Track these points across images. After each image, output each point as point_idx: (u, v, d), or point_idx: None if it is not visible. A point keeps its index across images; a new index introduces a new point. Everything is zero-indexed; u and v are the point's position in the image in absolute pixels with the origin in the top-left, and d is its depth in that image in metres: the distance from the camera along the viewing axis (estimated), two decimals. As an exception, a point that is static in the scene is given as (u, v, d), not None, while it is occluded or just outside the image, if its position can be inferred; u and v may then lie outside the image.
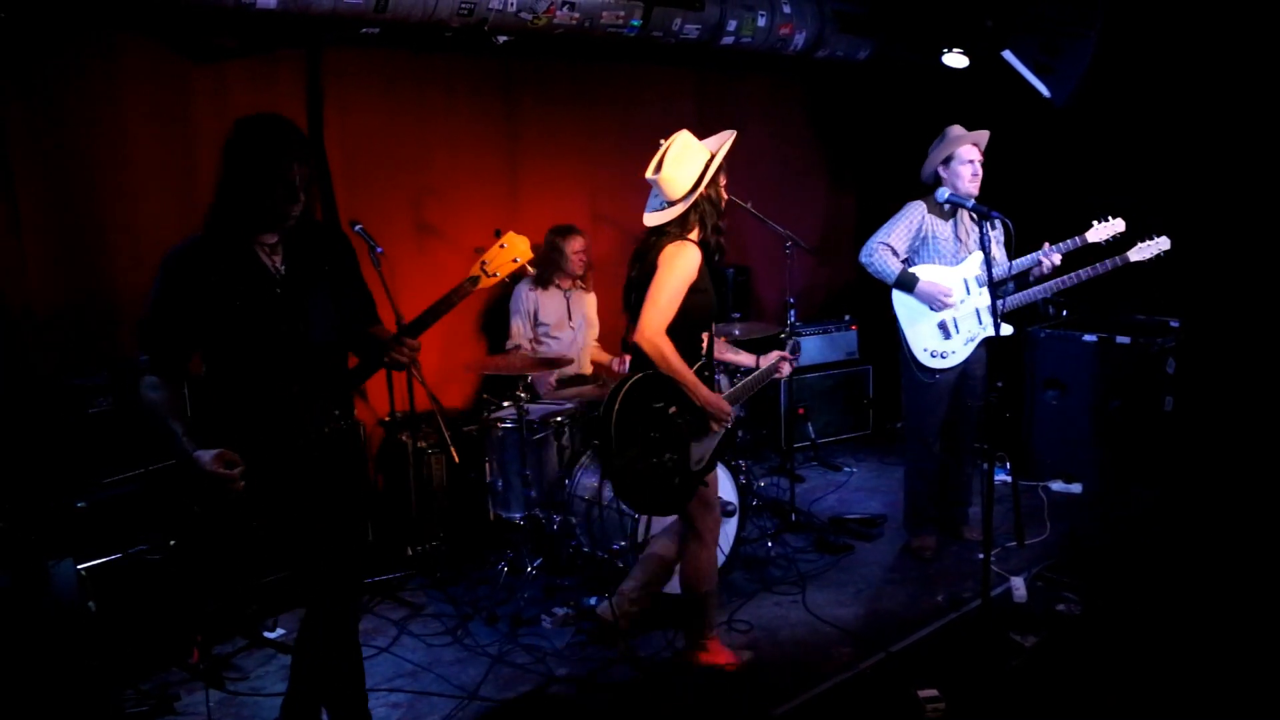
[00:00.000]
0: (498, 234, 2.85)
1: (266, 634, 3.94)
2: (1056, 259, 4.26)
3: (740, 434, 4.60)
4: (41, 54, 3.92)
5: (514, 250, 2.82)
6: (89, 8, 3.93)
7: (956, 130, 4.36)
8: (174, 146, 4.33)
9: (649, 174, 3.22)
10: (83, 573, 3.35)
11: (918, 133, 4.50)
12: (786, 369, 3.67)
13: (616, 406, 3.10)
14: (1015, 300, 4.37)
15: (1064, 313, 5.98)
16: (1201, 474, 5.22)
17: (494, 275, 2.79)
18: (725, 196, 3.27)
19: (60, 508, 3.55)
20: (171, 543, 3.71)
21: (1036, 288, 4.36)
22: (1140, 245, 4.29)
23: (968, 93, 6.10)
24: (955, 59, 5.62)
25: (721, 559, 4.22)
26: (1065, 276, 4.32)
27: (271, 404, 2.60)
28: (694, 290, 3.19)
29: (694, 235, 3.22)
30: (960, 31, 5.60)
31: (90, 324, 4.13)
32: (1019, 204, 4.24)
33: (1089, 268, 4.30)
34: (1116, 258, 4.29)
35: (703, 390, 3.22)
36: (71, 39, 3.99)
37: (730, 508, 4.18)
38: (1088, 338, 5.42)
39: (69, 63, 4.01)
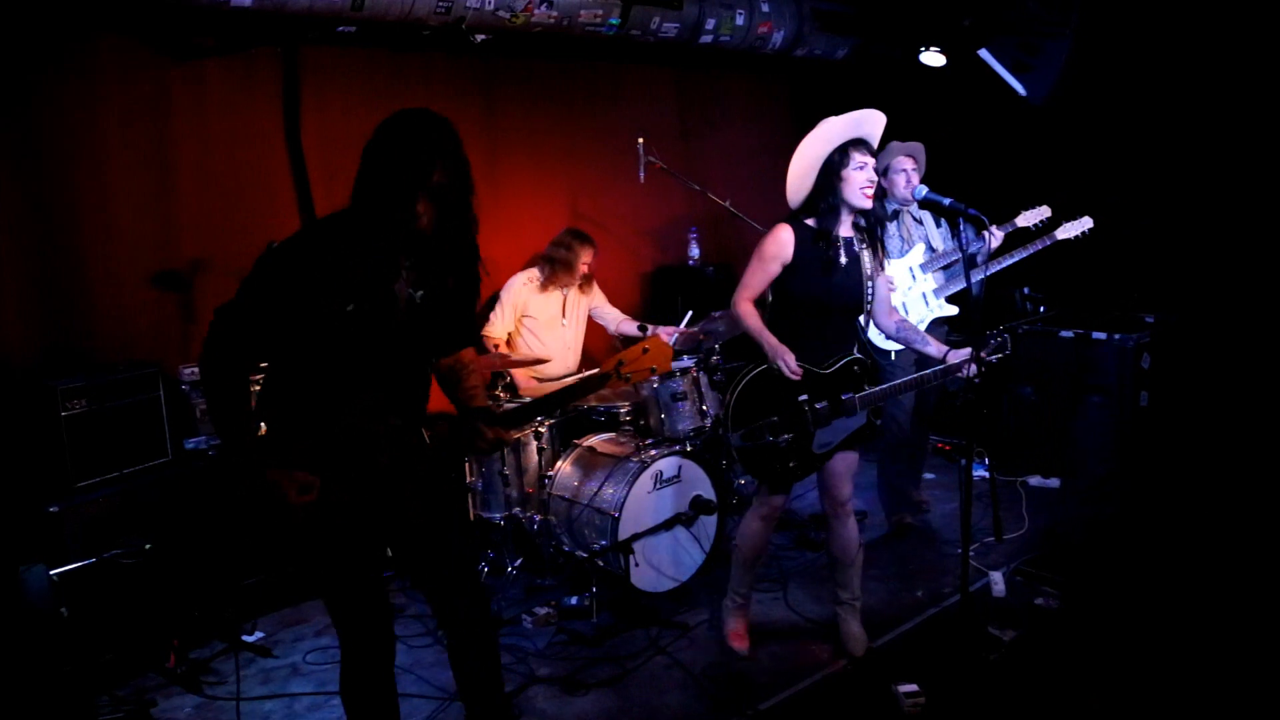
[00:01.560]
0: (643, 330, 2.58)
1: (245, 638, 3.91)
2: (1000, 235, 4.54)
3: (721, 430, 4.60)
4: (16, 54, 3.87)
5: (655, 358, 2.57)
6: (65, 7, 3.89)
7: (893, 144, 4.58)
8: (151, 145, 4.29)
9: None
10: (55, 578, 3.32)
11: (897, 131, 4.53)
12: (971, 369, 3.33)
13: (739, 387, 3.31)
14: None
15: (1041, 308, 6.02)
16: (1178, 468, 5.27)
17: (625, 380, 2.60)
18: (849, 178, 3.26)
19: (33, 512, 3.51)
20: (148, 546, 3.68)
21: (979, 269, 4.65)
22: (1066, 225, 4.58)
23: (946, 91, 6.13)
24: (933, 57, 5.65)
25: (702, 557, 4.24)
26: (1001, 258, 4.62)
27: (357, 415, 2.40)
28: (788, 270, 3.30)
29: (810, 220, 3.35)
30: (938, 30, 5.63)
31: (65, 325, 4.08)
32: (999, 199, 4.31)
33: (1022, 248, 4.60)
34: (1045, 237, 4.58)
35: (769, 339, 3.30)
36: (47, 38, 3.95)
37: (711, 503, 4.20)
38: (1065, 333, 5.46)
39: (44, 62, 3.97)
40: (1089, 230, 4.59)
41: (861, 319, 3.49)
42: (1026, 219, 4.59)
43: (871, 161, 3.25)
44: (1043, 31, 5.42)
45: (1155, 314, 5.55)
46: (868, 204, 3.26)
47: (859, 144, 3.25)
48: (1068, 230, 4.59)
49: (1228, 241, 5.50)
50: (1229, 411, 5.40)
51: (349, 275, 2.30)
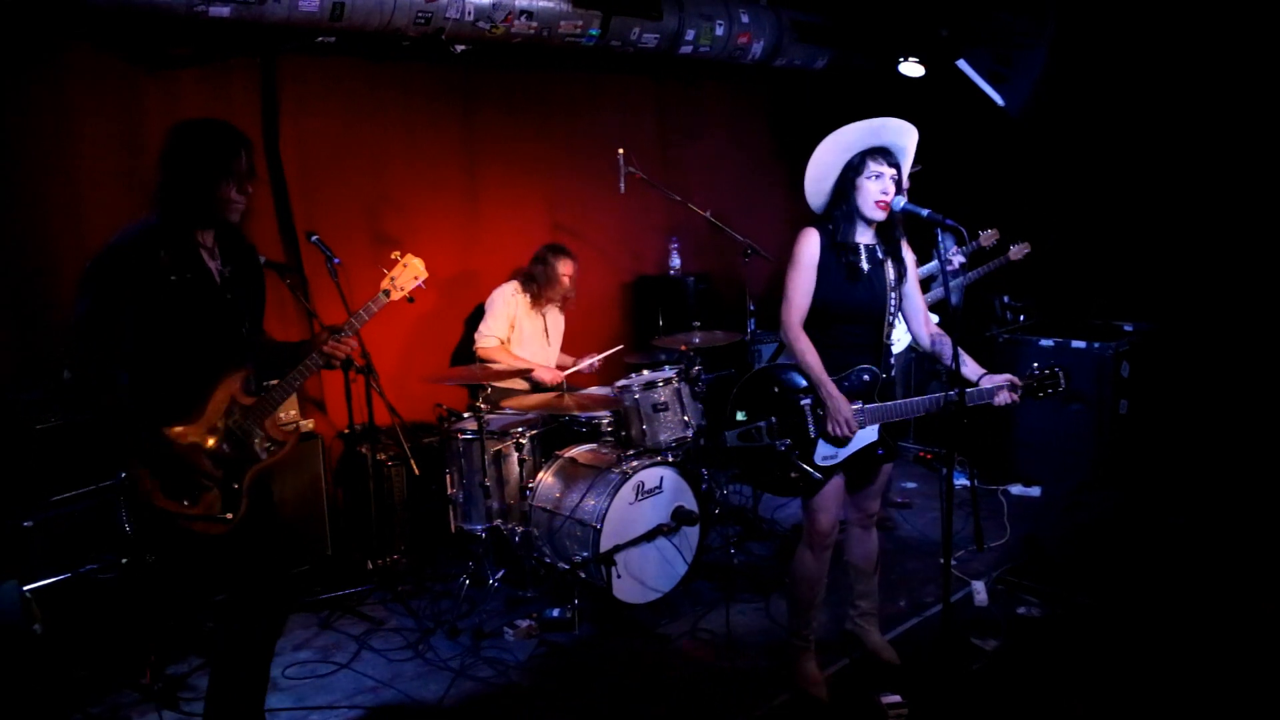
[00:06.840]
0: (396, 258, 3.06)
1: (222, 652, 3.86)
2: (960, 259, 4.87)
3: (702, 440, 4.59)
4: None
5: (413, 270, 3.05)
6: (36, 18, 3.84)
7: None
8: (124, 158, 4.24)
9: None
10: (28, 594, 3.26)
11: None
12: (1004, 398, 3.15)
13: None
14: (930, 297, 4.86)
15: (1020, 318, 6.05)
16: (1158, 475, 5.31)
17: (401, 290, 3.01)
18: (862, 186, 3.15)
19: (6, 527, 3.46)
20: (124, 561, 3.62)
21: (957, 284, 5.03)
22: (1013, 248, 5.03)
23: (925, 101, 6.16)
24: (911, 68, 5.69)
25: (684, 568, 4.23)
26: (963, 276, 4.98)
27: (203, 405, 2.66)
28: (820, 276, 3.17)
29: (830, 225, 3.25)
30: (916, 41, 5.67)
31: (38, 339, 4.03)
32: (976, 209, 4.36)
33: (983, 266, 5.07)
34: (1000, 258, 5.01)
35: (828, 388, 3.13)
36: (16, 49, 3.90)
37: (694, 514, 4.19)
38: (1044, 342, 5.49)
39: (14, 73, 3.92)
40: (1029, 253, 5.04)
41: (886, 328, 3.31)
42: (985, 239, 4.99)
43: (890, 172, 3.12)
44: (1018, 42, 5.47)
45: (1134, 322, 5.60)
46: (880, 215, 3.15)
47: (879, 152, 3.14)
48: (1017, 252, 5.00)
49: (1205, 250, 5.56)
50: (1208, 418, 5.45)
51: (167, 251, 2.56)
